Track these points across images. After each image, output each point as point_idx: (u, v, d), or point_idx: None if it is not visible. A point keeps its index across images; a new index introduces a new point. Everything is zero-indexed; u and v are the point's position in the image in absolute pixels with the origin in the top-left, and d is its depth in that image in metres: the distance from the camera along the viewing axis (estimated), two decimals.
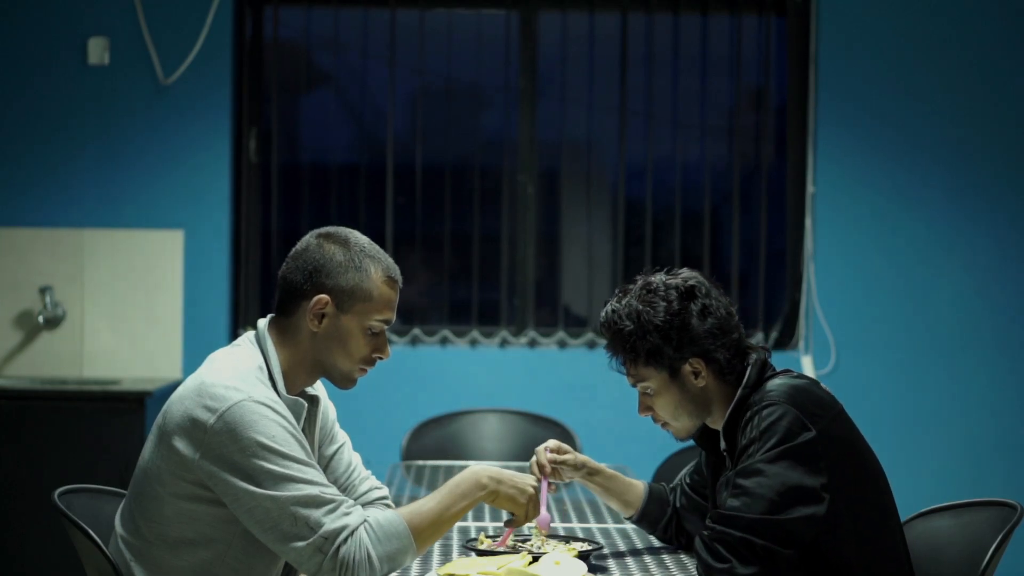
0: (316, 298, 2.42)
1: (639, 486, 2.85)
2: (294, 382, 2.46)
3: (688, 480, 2.85)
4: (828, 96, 5.52)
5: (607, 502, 2.87)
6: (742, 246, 5.63)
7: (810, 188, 5.54)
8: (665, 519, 2.84)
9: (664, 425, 2.66)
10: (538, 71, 5.63)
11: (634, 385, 2.64)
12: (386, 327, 2.48)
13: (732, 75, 5.63)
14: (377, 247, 2.50)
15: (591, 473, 2.80)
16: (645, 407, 2.65)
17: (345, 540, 2.28)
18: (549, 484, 2.72)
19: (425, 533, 2.38)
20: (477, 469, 2.48)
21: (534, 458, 2.77)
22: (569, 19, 5.60)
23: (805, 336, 5.55)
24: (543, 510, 2.61)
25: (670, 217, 5.63)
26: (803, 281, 5.56)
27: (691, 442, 2.77)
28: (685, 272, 2.64)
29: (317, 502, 2.29)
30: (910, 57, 5.51)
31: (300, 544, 2.28)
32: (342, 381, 2.49)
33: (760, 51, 5.62)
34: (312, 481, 2.30)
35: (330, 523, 2.28)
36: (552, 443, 2.78)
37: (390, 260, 2.49)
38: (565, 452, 2.77)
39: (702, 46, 5.64)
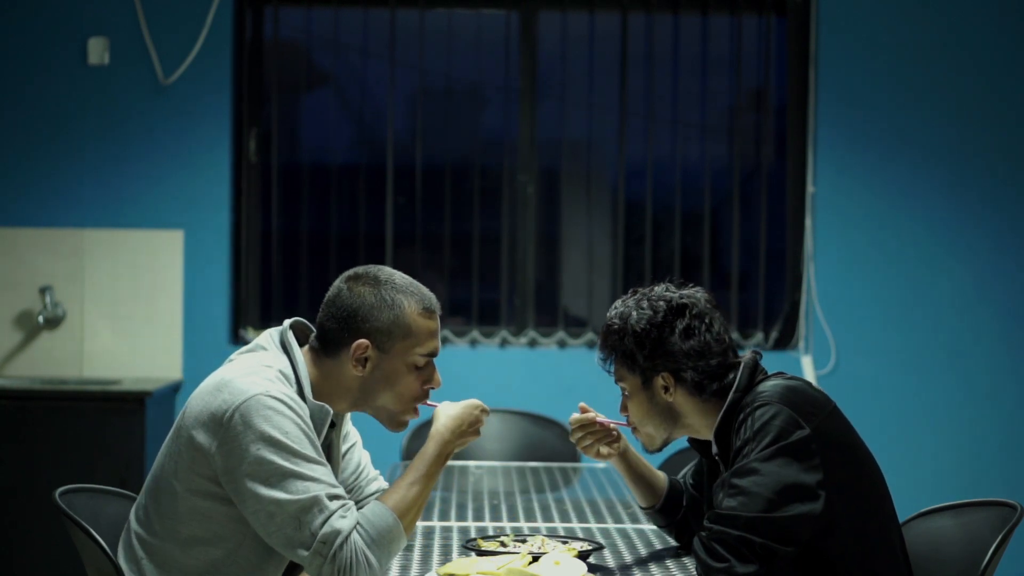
0: (355, 344, 2.41)
1: (662, 475, 2.87)
2: (329, 404, 2.45)
3: (691, 480, 2.86)
4: (828, 96, 5.53)
5: (632, 485, 2.86)
6: (742, 246, 5.63)
7: (810, 188, 5.55)
8: (681, 513, 2.85)
9: (634, 431, 2.69)
10: (538, 71, 5.63)
11: (616, 383, 2.68)
12: (432, 359, 2.47)
13: (732, 75, 5.63)
14: (409, 279, 2.48)
15: (624, 449, 2.81)
16: (624, 407, 2.68)
17: (340, 546, 2.29)
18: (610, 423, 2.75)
19: (411, 516, 2.38)
20: (444, 437, 2.45)
21: (575, 416, 2.78)
22: (569, 19, 5.60)
23: (805, 336, 5.55)
24: (613, 424, 2.74)
25: (670, 217, 5.63)
26: (803, 281, 5.56)
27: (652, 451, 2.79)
28: (691, 290, 2.65)
29: (319, 507, 2.29)
30: (910, 57, 5.51)
31: (303, 551, 2.30)
32: (391, 424, 2.48)
33: (760, 51, 5.62)
34: (319, 480, 2.31)
35: (326, 529, 2.29)
36: (583, 407, 2.80)
37: (424, 290, 2.48)
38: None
39: (702, 46, 5.64)
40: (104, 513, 2.61)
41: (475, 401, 2.54)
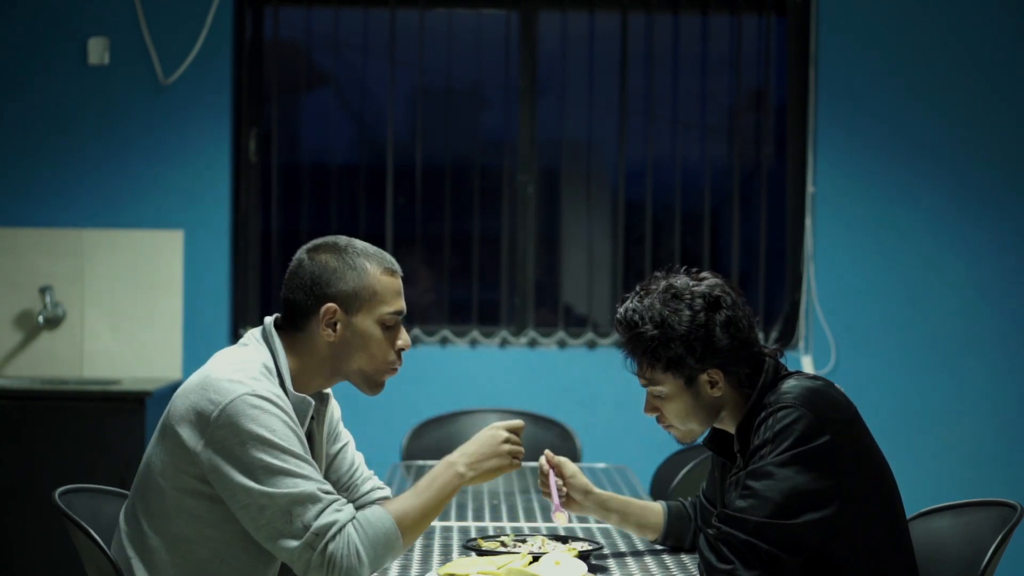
0: (323, 308, 2.42)
1: (656, 507, 2.80)
2: (308, 385, 2.46)
3: (706, 495, 2.80)
4: (828, 96, 5.52)
5: (626, 529, 2.82)
6: (742, 246, 5.63)
7: (810, 188, 5.55)
8: (691, 534, 2.79)
9: (668, 427, 2.61)
10: (538, 71, 5.63)
11: (645, 386, 2.59)
12: (399, 318, 2.47)
13: (732, 75, 5.63)
14: (368, 244, 2.50)
15: (601, 503, 2.75)
16: (652, 408, 2.60)
17: (333, 537, 2.29)
18: (563, 509, 2.70)
19: (412, 530, 2.38)
20: (451, 459, 2.45)
21: (540, 462, 2.74)
22: (569, 19, 5.60)
23: (805, 336, 5.55)
24: (556, 501, 2.66)
25: (670, 217, 5.63)
26: (803, 281, 5.56)
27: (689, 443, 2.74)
28: (709, 278, 2.59)
29: (312, 499, 2.29)
30: (910, 57, 5.51)
31: (293, 543, 2.29)
32: (368, 386, 2.49)
33: (760, 51, 5.62)
34: (308, 477, 2.31)
35: (321, 520, 2.29)
36: (548, 455, 2.74)
37: (384, 253, 2.49)
38: (568, 473, 2.73)
39: (702, 46, 5.64)
40: (104, 513, 2.60)
41: (494, 424, 2.51)
